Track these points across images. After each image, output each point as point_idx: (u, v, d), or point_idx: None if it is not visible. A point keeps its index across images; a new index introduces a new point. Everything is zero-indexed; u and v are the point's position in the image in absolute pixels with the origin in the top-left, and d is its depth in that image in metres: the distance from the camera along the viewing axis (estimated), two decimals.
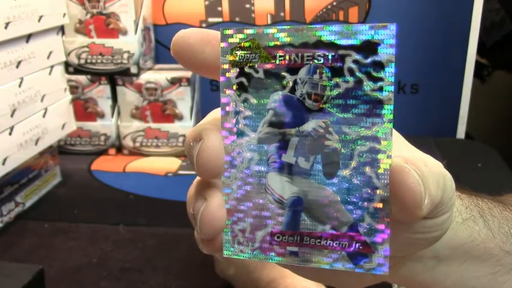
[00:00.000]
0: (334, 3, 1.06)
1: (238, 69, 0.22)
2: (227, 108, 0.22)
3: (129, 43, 0.97)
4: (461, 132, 1.10)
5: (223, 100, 0.22)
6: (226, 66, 0.22)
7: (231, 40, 0.22)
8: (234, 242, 0.23)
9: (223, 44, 0.22)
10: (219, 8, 1.08)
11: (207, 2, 1.08)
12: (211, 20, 1.08)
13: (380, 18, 1.04)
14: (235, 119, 0.22)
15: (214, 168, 0.22)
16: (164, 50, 1.11)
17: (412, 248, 0.24)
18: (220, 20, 1.08)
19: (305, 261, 0.22)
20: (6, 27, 0.68)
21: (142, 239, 0.71)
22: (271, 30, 0.22)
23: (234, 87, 0.22)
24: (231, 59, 0.22)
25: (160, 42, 1.11)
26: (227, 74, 0.22)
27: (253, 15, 1.07)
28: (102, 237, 0.72)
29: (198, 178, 0.24)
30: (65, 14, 0.83)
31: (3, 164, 0.70)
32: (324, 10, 1.06)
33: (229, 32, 0.22)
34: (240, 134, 0.22)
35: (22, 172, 0.78)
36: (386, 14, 1.05)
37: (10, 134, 0.71)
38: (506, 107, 1.38)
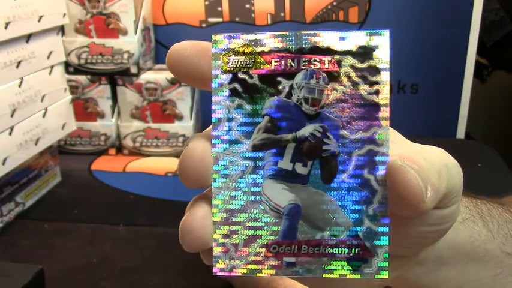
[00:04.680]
0: (334, 3, 1.06)
1: (231, 75, 0.22)
2: (219, 115, 0.22)
3: (129, 43, 0.97)
4: (461, 132, 1.10)
5: (214, 107, 0.22)
6: (218, 71, 0.22)
7: (222, 46, 0.22)
8: (225, 258, 0.22)
9: (214, 50, 0.22)
10: (219, 8, 1.08)
11: (207, 2, 1.08)
12: (211, 20, 1.08)
13: (380, 18, 1.04)
14: (227, 126, 0.22)
15: (197, 175, 0.21)
16: (164, 50, 1.11)
17: (424, 241, 0.24)
18: (220, 20, 1.08)
19: (303, 272, 0.22)
20: (6, 27, 0.68)
21: (142, 239, 0.71)
22: (265, 37, 0.22)
23: (227, 93, 0.22)
24: (224, 65, 0.22)
25: (160, 42, 1.11)
26: (219, 80, 0.22)
27: (253, 15, 1.07)
28: (102, 237, 0.72)
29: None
30: (65, 14, 0.83)
31: (3, 164, 0.70)
32: (324, 10, 1.06)
33: (219, 37, 0.22)
34: (234, 141, 0.22)
35: (22, 172, 0.78)
36: (386, 14, 1.05)
37: (10, 134, 0.71)
38: (506, 107, 1.38)
